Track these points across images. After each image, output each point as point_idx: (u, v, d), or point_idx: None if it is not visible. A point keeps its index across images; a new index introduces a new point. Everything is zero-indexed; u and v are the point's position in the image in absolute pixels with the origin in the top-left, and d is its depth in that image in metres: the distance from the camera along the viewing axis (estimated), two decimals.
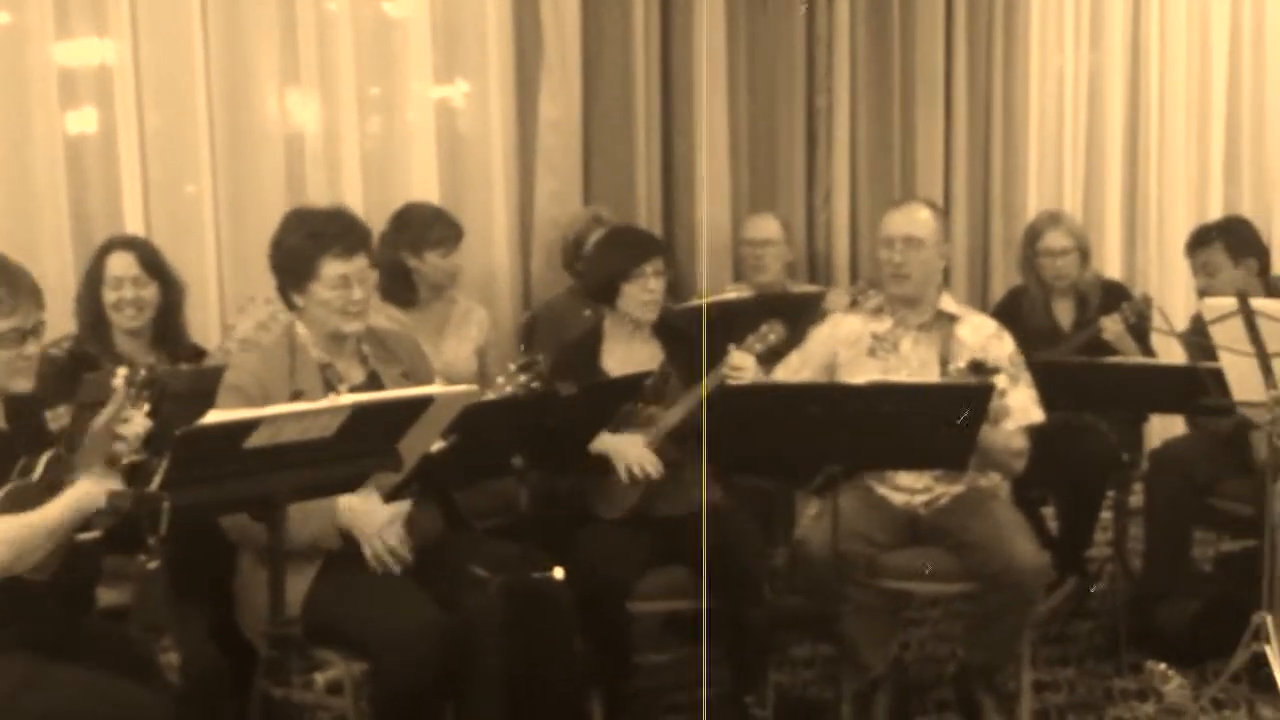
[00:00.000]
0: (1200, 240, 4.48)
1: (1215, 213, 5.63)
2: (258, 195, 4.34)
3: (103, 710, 2.56)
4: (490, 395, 3.22)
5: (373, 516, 3.16)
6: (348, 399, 2.66)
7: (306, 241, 3.21)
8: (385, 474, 2.83)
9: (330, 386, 3.21)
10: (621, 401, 3.45)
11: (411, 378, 3.31)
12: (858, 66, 5.32)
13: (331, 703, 3.53)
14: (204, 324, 4.11)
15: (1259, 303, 3.53)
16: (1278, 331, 3.48)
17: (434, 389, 2.78)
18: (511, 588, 3.12)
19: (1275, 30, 6.13)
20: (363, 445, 2.68)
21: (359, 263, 3.21)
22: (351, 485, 2.85)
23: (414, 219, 4.24)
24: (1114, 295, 4.74)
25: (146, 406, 2.70)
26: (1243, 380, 3.62)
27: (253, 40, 4.34)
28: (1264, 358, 3.53)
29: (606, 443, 3.61)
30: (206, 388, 3.19)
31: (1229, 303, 3.57)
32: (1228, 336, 3.59)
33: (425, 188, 4.59)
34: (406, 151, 4.64)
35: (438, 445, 2.92)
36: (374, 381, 3.30)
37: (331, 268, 3.18)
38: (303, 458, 2.58)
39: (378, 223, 4.29)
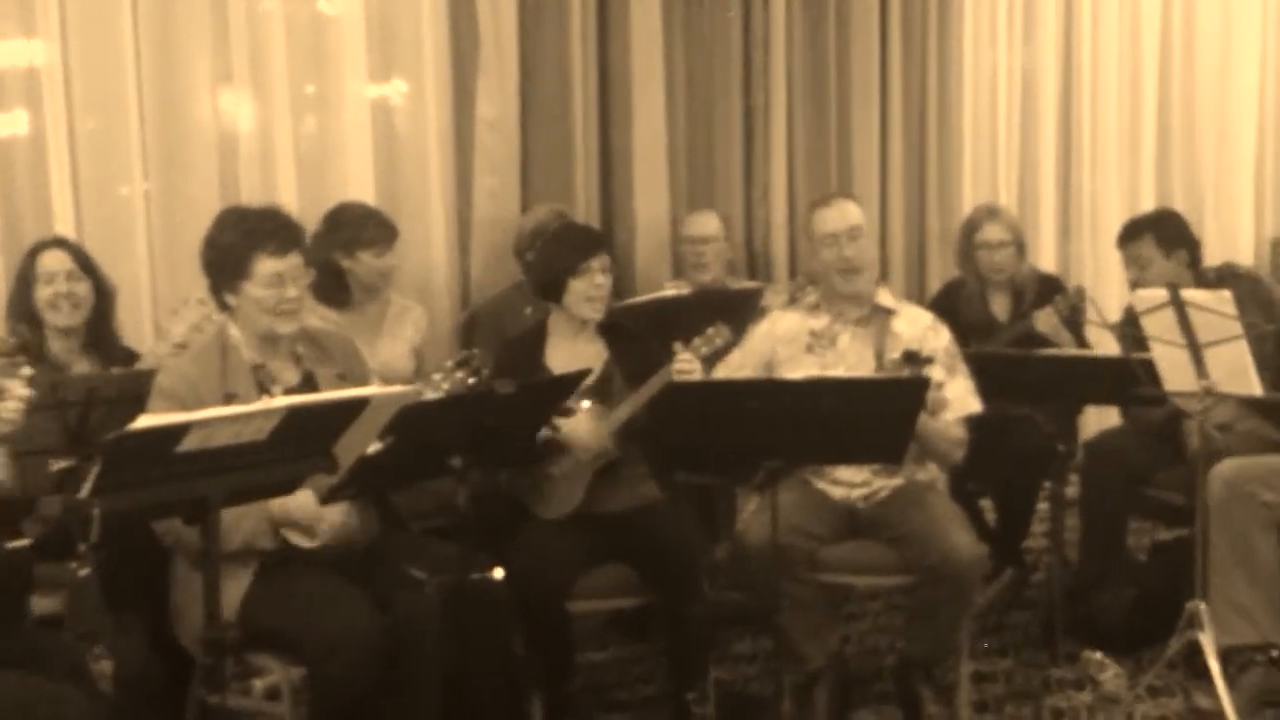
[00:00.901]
0: (1132, 233, 4.52)
1: (1147, 206, 5.69)
2: (191, 196, 4.30)
3: (35, 717, 2.53)
4: (428, 393, 3.21)
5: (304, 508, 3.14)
6: (282, 401, 2.64)
7: (240, 240, 3.19)
8: (321, 476, 2.81)
9: (263, 389, 3.18)
10: (561, 399, 3.44)
11: (348, 378, 3.29)
12: (794, 65, 5.34)
13: (270, 708, 3.52)
14: (136, 327, 4.07)
15: (1189, 294, 3.58)
16: (1208, 322, 3.53)
17: (370, 390, 2.77)
18: (449, 589, 3.12)
19: (1206, 26, 6.23)
20: (298, 448, 2.65)
21: (292, 261, 3.20)
22: (287, 488, 2.83)
23: (347, 219, 4.22)
24: (1049, 288, 4.79)
25: (26, 371, 2.66)
26: (1174, 371, 3.68)
27: (184, 40, 4.29)
28: (1195, 348, 3.58)
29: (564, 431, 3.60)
30: (138, 392, 3.16)
31: (1160, 294, 3.62)
32: (1159, 327, 3.64)
33: (361, 187, 4.57)
34: (342, 151, 4.61)
35: (374, 447, 2.90)
36: (309, 383, 3.28)
37: (265, 266, 3.16)
38: (236, 461, 2.55)
39: (313, 223, 4.27)
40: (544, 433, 3.53)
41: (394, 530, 3.41)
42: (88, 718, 2.59)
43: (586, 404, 3.60)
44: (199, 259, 3.29)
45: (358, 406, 2.69)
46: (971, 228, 4.84)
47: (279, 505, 3.09)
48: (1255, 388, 3.56)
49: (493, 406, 3.10)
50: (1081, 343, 4.61)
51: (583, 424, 3.61)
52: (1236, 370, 3.54)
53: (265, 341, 3.25)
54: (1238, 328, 3.49)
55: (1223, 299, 3.52)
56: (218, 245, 3.23)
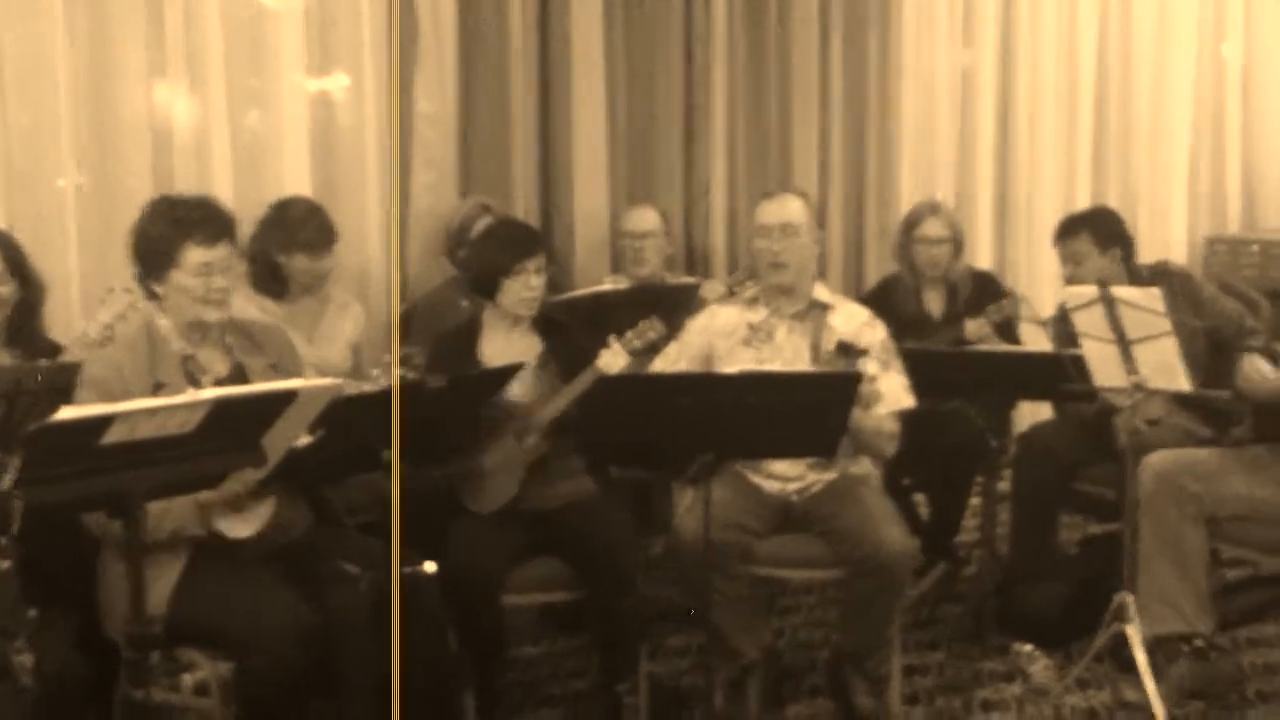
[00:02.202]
0: (1068, 230, 4.56)
1: (1083, 205, 5.74)
2: (124, 189, 4.23)
3: None
4: (360, 387, 3.20)
5: None
6: (209, 393, 2.62)
7: (169, 228, 3.18)
8: (249, 470, 2.80)
9: (192, 379, 3.16)
10: (492, 393, 3.44)
11: (279, 370, 3.27)
12: (735, 61, 5.36)
13: (198, 704, 3.49)
14: (66, 321, 4.01)
15: (1119, 290, 3.63)
16: (1137, 319, 3.58)
17: (298, 383, 2.76)
18: (381, 583, 3.11)
19: (1141, 28, 6.30)
20: (225, 441, 2.64)
21: (221, 251, 3.18)
22: (213, 481, 2.82)
23: (288, 217, 4.18)
24: (984, 286, 4.83)
25: None
26: (1104, 366, 3.72)
27: (118, 32, 4.22)
28: (1124, 344, 3.63)
29: None
30: (64, 384, 3.12)
31: (1090, 291, 3.66)
32: (1089, 323, 3.68)
33: (298, 181, 4.53)
34: (279, 145, 4.56)
35: (304, 440, 2.89)
36: (239, 374, 3.26)
37: (193, 254, 3.15)
38: (162, 454, 2.53)
39: (249, 218, 4.24)
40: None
41: (326, 524, 3.39)
42: (8, 712, 2.56)
43: None
44: (128, 247, 3.26)
45: (286, 399, 2.68)
46: (911, 222, 4.88)
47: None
48: (1183, 383, 3.61)
49: (424, 400, 3.09)
50: (1014, 344, 4.65)
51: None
52: (1165, 366, 3.59)
53: (194, 331, 3.23)
54: (1166, 324, 3.54)
55: (1152, 296, 3.56)
56: (147, 234, 3.21)
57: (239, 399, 2.66)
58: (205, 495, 3.03)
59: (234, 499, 3.09)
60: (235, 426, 2.64)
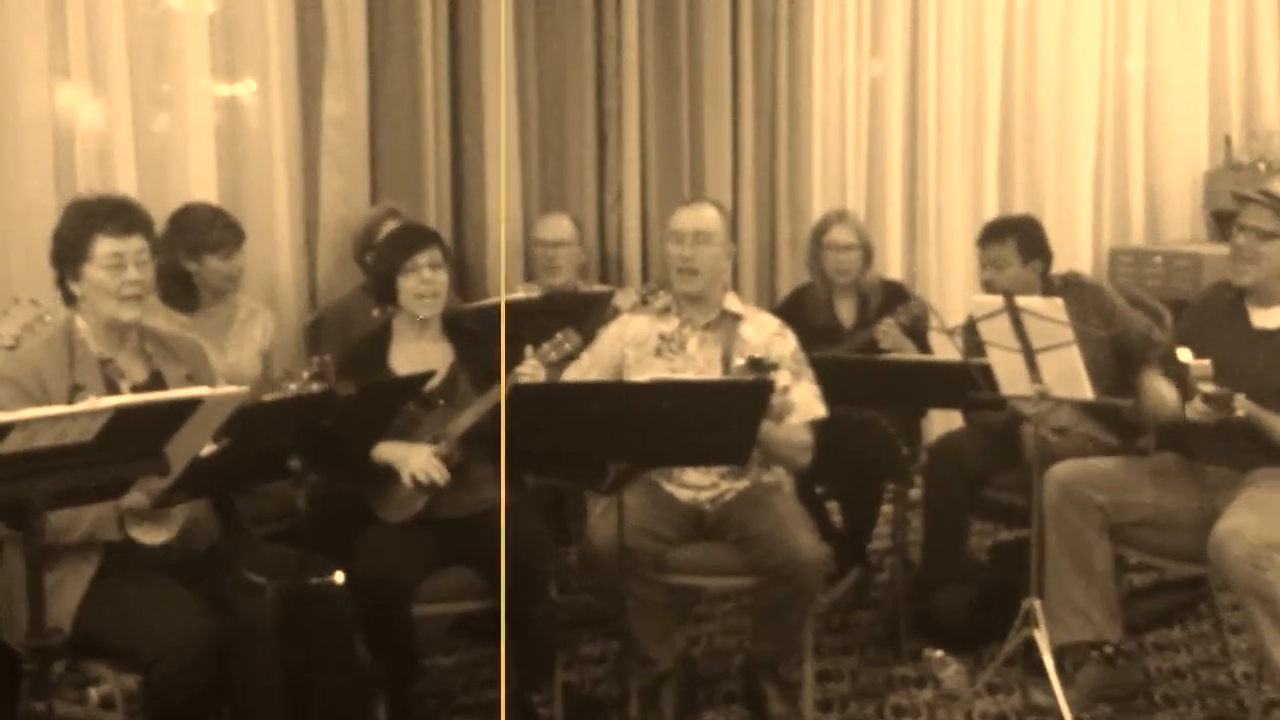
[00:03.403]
0: (995, 234, 4.56)
1: (991, 214, 5.80)
2: (24, 193, 4.14)
3: None
4: (266, 396, 3.16)
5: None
6: (108, 402, 2.56)
7: (79, 223, 3.15)
8: (153, 478, 2.75)
9: (111, 383, 3.12)
10: (403, 401, 3.41)
11: (195, 380, 3.22)
12: (646, 67, 5.35)
13: (104, 718, 3.42)
14: None
15: (1023, 301, 3.68)
16: (1041, 328, 3.63)
17: (201, 390, 2.71)
18: (288, 593, 3.07)
19: (1046, 39, 6.39)
20: (127, 449, 2.58)
21: (134, 243, 3.14)
22: (115, 491, 2.76)
23: (192, 222, 4.13)
24: (894, 295, 4.87)
25: None
26: (1010, 375, 3.77)
27: (17, 32, 4.13)
28: (1029, 353, 3.67)
29: (391, 451, 3.58)
30: None
31: (995, 300, 3.71)
32: (995, 333, 3.73)
33: (204, 186, 4.45)
34: (184, 149, 4.48)
35: (209, 448, 2.84)
36: (157, 380, 3.22)
37: (104, 245, 3.11)
38: (62, 462, 2.47)
39: (155, 222, 4.17)
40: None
41: (234, 534, 3.34)
42: None
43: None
44: (29, 258, 3.22)
45: (190, 407, 2.63)
46: (820, 230, 4.91)
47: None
48: (1086, 392, 3.67)
49: (332, 408, 3.05)
50: (924, 350, 4.69)
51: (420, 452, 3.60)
52: (1068, 375, 3.64)
53: (112, 334, 3.19)
54: (1069, 334, 3.60)
55: (1055, 306, 3.61)
56: (61, 234, 3.19)
57: (141, 407, 2.60)
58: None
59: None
60: (137, 434, 2.58)
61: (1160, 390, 3.83)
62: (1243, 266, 3.81)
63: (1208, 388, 3.51)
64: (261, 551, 3.30)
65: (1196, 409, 3.55)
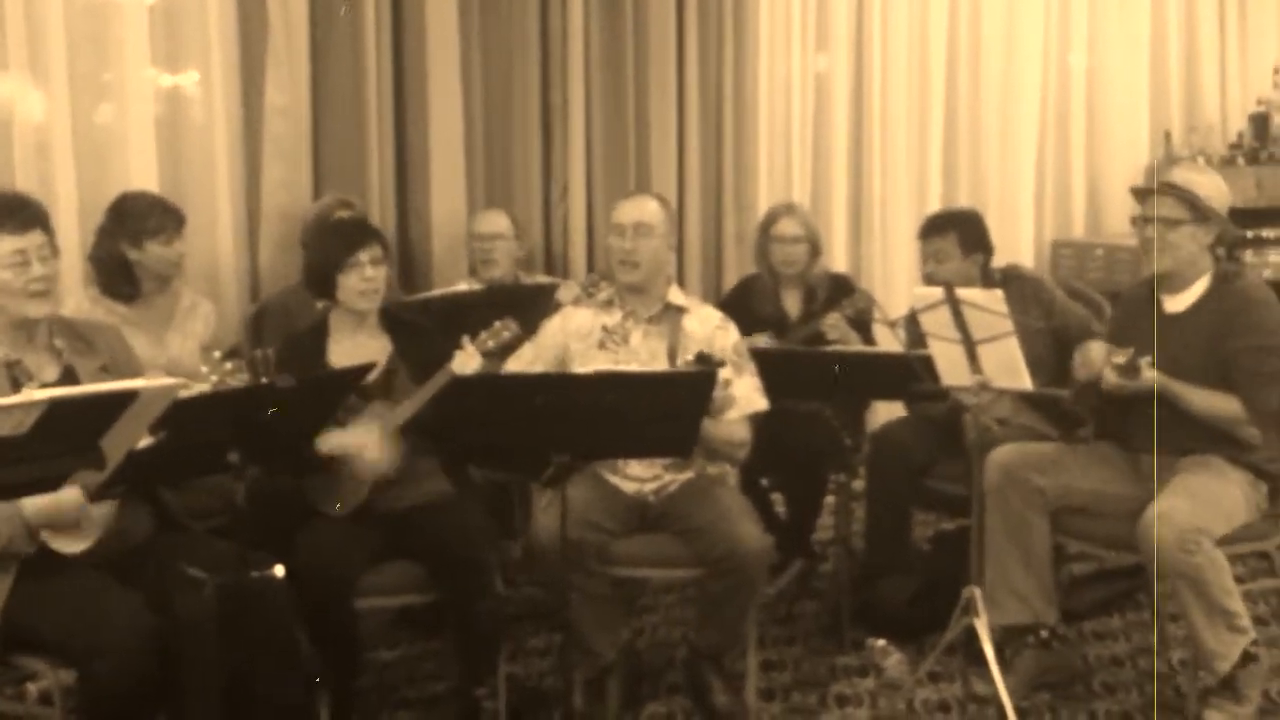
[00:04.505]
0: (936, 227, 4.60)
1: (935, 208, 5.84)
2: None
3: None
4: (204, 388, 3.13)
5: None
6: (45, 394, 2.53)
7: None
8: (88, 472, 2.71)
9: (17, 385, 3.07)
10: (342, 394, 3.39)
11: (112, 371, 3.19)
12: (591, 62, 5.35)
13: (41, 713, 3.39)
14: None
15: (963, 292, 3.69)
16: (981, 320, 3.66)
17: (138, 383, 2.67)
18: (228, 588, 3.04)
19: (990, 36, 6.44)
20: (61, 443, 2.54)
21: (35, 239, 3.11)
22: (50, 485, 2.71)
23: (131, 209, 4.10)
24: (840, 287, 4.90)
25: None
26: (951, 366, 3.79)
27: None
28: (969, 344, 3.70)
29: (338, 440, 3.56)
30: None
31: (936, 292, 3.73)
32: (936, 324, 3.75)
33: (145, 176, 4.42)
34: (124, 139, 4.45)
35: (145, 441, 2.82)
36: (69, 377, 3.18)
37: (5, 244, 3.08)
38: None
39: (95, 213, 4.14)
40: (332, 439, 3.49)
41: (171, 529, 3.31)
42: None
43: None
44: None
45: (125, 399, 2.60)
46: (768, 222, 4.94)
47: (32, 506, 2.98)
48: (1026, 382, 3.70)
49: (270, 401, 3.03)
50: (869, 342, 4.72)
51: (373, 440, 3.57)
52: (1008, 366, 3.67)
53: (19, 333, 3.15)
54: (1008, 325, 3.62)
55: (994, 297, 3.64)
56: None
57: (76, 400, 2.56)
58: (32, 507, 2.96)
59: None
60: (72, 428, 2.54)
61: (1090, 350, 3.88)
62: (1155, 256, 3.88)
63: (1118, 358, 3.66)
64: (201, 546, 3.26)
65: (1110, 380, 3.69)
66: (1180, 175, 3.93)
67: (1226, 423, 3.75)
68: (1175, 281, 3.91)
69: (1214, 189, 3.87)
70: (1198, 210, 3.81)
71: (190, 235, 4.24)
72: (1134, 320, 3.98)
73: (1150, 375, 3.67)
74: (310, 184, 4.75)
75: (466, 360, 3.57)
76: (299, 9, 4.67)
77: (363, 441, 3.56)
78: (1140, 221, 3.94)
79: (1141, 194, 3.98)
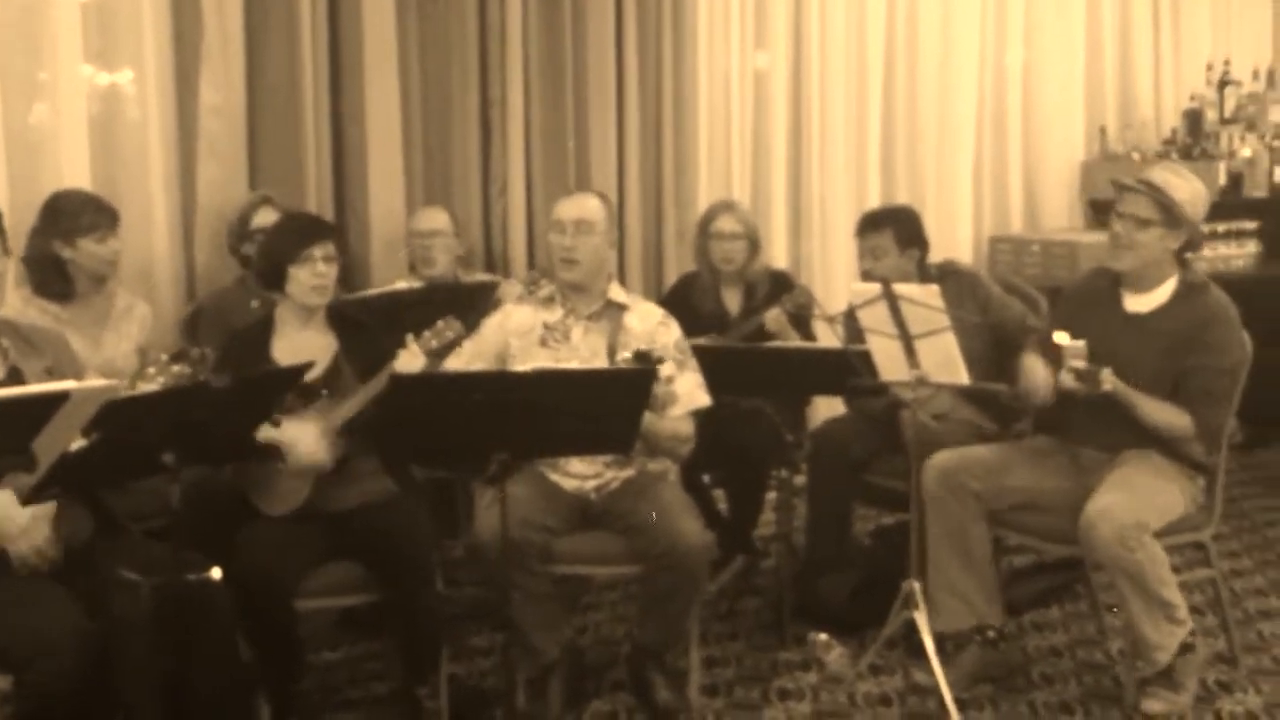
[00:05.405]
0: (872, 224, 4.62)
1: (873, 204, 5.89)
2: None
3: None
4: (138, 388, 3.09)
5: (12, 520, 3.00)
6: None
7: None
8: (19, 475, 2.68)
9: None
10: (282, 392, 3.36)
11: (56, 373, 3.14)
12: (530, 58, 5.32)
13: None
14: None
15: (900, 288, 3.73)
16: (918, 315, 3.69)
17: (69, 384, 2.64)
18: (165, 591, 3.01)
19: (927, 33, 6.48)
20: None
21: None
22: None
23: (64, 207, 4.05)
24: (780, 284, 4.91)
25: None
26: (889, 361, 3.83)
27: None
28: (906, 340, 3.73)
29: (274, 433, 3.52)
30: None
31: (873, 288, 3.76)
32: (874, 320, 3.78)
33: (78, 175, 4.36)
34: (56, 138, 4.38)
35: (78, 443, 2.78)
36: (15, 377, 3.14)
37: None
38: None
39: (28, 213, 4.08)
40: (268, 433, 3.46)
41: (107, 531, 3.27)
42: None
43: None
44: None
45: (56, 401, 2.56)
46: (707, 220, 4.95)
47: None
48: (962, 377, 3.74)
49: (206, 400, 3.00)
50: (809, 338, 4.75)
51: (308, 433, 3.54)
52: (945, 361, 3.71)
53: None
54: (945, 320, 3.66)
55: (930, 293, 3.67)
56: None
57: (6, 401, 2.54)
58: None
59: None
60: (2, 430, 2.52)
61: (1037, 370, 3.91)
62: (1120, 253, 3.91)
63: (1078, 364, 3.66)
64: (138, 549, 3.23)
65: (1066, 382, 3.70)
66: (1160, 176, 3.90)
67: (1174, 439, 3.79)
68: (1138, 282, 3.92)
69: (1191, 194, 3.85)
70: (1169, 213, 3.82)
71: (125, 235, 4.19)
72: (1090, 311, 3.98)
73: (1109, 386, 3.67)
74: (246, 183, 4.70)
75: (410, 359, 3.55)
76: (233, 6, 4.62)
77: (297, 435, 3.52)
78: (1114, 215, 3.94)
79: (1119, 189, 3.98)
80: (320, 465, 3.56)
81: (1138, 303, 3.94)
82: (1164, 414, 3.78)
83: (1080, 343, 3.70)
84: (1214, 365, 3.80)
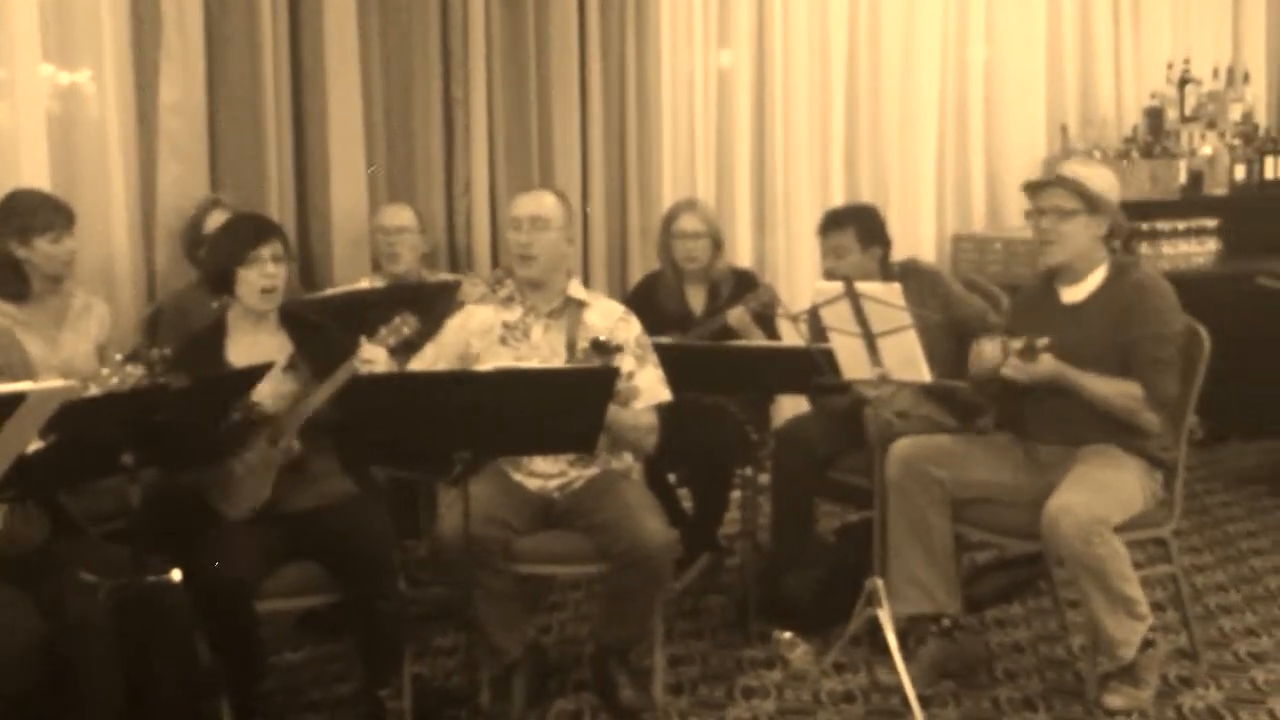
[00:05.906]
0: (834, 223, 4.63)
1: (837, 202, 5.91)
2: None
3: None
4: (95, 389, 3.06)
5: None
6: None
7: None
8: None
9: None
10: (238, 394, 3.34)
11: (7, 374, 3.11)
12: (493, 57, 5.31)
13: None
14: None
15: (863, 286, 3.73)
16: (880, 313, 3.70)
17: (25, 385, 2.61)
18: (123, 593, 2.99)
19: (890, 30, 6.49)
20: None
21: None
22: None
23: (18, 206, 4.02)
24: (744, 283, 4.92)
25: None
26: (852, 360, 3.83)
27: None
28: (869, 338, 3.74)
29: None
30: None
31: (836, 287, 3.76)
32: (836, 318, 3.78)
33: (36, 175, 4.33)
34: (13, 137, 4.36)
35: (35, 445, 2.76)
36: None
37: None
38: None
39: None
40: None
41: (65, 533, 3.25)
42: None
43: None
44: None
45: (13, 402, 2.54)
46: (670, 219, 4.95)
47: None
48: (925, 375, 3.74)
49: (164, 402, 2.98)
50: (773, 336, 4.75)
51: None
52: (907, 358, 3.72)
53: None
54: (907, 318, 3.67)
55: (893, 291, 3.68)
56: None
57: None
58: None
59: None
60: None
61: (983, 348, 3.92)
62: (1048, 249, 3.96)
63: (1015, 343, 3.71)
64: (96, 551, 3.21)
65: (1011, 365, 3.75)
66: (1070, 169, 4.04)
67: (1125, 410, 3.82)
68: (1071, 273, 3.98)
69: (1104, 181, 3.96)
70: (1089, 201, 3.88)
71: (84, 235, 4.17)
72: (1032, 311, 4.05)
73: (1048, 359, 3.72)
74: (207, 182, 4.68)
75: (373, 357, 3.53)
76: (193, 4, 4.60)
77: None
78: (1035, 214, 4.01)
79: (1034, 188, 4.05)
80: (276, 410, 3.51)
81: (1073, 293, 3.98)
82: (1111, 386, 3.81)
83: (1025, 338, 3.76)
84: (1154, 332, 3.84)
